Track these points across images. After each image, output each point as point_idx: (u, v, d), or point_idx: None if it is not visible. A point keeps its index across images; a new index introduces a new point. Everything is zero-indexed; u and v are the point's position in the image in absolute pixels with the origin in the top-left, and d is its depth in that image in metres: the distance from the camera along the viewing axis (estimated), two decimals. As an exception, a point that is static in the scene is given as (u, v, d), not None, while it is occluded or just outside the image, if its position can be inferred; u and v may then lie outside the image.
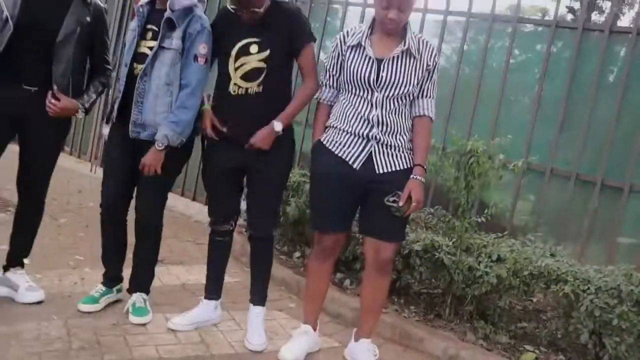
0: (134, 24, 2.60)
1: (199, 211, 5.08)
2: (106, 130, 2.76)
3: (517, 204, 3.80)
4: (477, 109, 3.96)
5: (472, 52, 4.19)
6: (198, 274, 3.47)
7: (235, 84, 2.45)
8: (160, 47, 2.48)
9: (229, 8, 2.48)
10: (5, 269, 2.76)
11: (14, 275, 2.75)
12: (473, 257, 2.98)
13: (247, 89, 2.44)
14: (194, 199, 5.14)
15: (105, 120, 2.77)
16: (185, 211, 5.07)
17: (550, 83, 3.84)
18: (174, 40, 2.48)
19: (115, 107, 2.58)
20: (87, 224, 4.20)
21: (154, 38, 2.51)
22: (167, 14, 2.46)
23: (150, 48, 2.50)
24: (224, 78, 2.50)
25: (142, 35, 2.54)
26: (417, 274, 3.07)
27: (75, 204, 4.79)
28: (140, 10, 2.57)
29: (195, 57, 2.49)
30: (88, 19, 2.53)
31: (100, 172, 5.90)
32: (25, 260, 2.82)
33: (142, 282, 2.76)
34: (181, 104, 2.47)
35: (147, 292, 2.76)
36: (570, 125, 3.72)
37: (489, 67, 4.02)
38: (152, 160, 2.46)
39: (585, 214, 3.58)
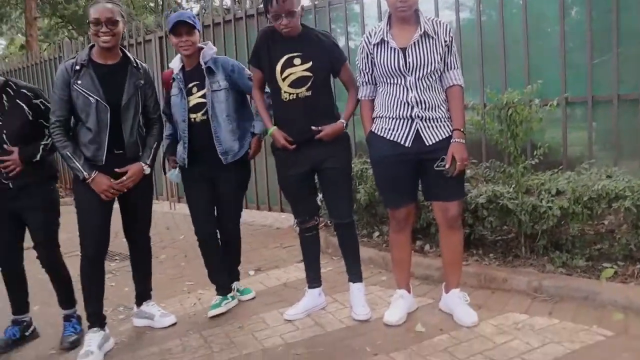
0: (175, 90, 3.09)
1: (277, 219, 5.57)
2: (174, 175, 3.27)
3: (567, 137, 3.96)
4: (507, 60, 4.15)
5: (489, 8, 4.35)
6: (294, 272, 3.92)
7: (285, 91, 2.85)
8: (212, 91, 2.99)
9: (268, 31, 2.90)
10: (139, 304, 3.28)
11: (147, 307, 3.26)
12: (534, 196, 3.24)
13: (297, 93, 2.84)
14: (269, 210, 5.62)
15: (164, 168, 3.28)
16: (265, 222, 5.56)
17: (570, 14, 3.95)
18: (220, 82, 3.03)
19: (185, 156, 3.08)
20: (185, 254, 4.74)
21: (199, 90, 3.04)
22: (204, 65, 3.02)
23: (201, 97, 3.02)
24: (274, 89, 2.91)
25: (188, 93, 3.04)
26: (488, 223, 3.36)
27: (168, 240, 5.35)
28: (178, 76, 3.09)
29: (250, 78, 3.09)
30: (142, 81, 2.96)
31: (179, 208, 6.53)
32: (151, 293, 3.33)
33: (235, 276, 3.48)
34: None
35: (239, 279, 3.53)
36: (602, 49, 3.79)
37: (508, 17, 4.16)
38: (256, 146, 3.20)
39: (635, 131, 3.71)
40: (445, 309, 2.94)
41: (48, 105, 2.97)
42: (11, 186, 2.89)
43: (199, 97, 3.04)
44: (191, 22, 2.97)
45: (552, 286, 2.99)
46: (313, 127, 2.83)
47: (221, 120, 3.03)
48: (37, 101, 2.97)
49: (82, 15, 20.85)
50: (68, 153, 2.78)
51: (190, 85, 3.06)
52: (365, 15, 4.88)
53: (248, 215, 3.42)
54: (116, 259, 4.69)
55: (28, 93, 2.95)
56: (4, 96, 2.91)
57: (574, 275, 3.06)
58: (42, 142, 2.93)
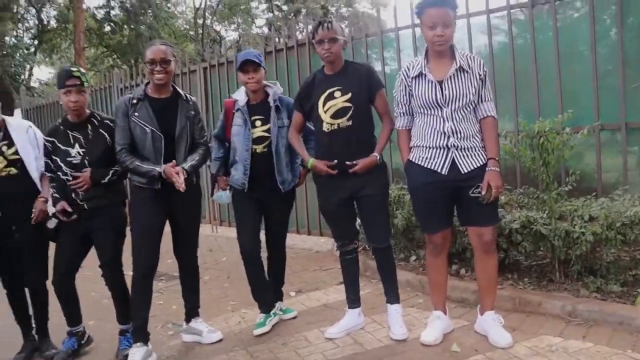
0: (239, 121, 3.31)
1: (316, 243, 5.75)
2: (223, 196, 3.49)
3: (601, 164, 4.01)
4: (540, 85, 4.24)
5: (520, 39, 4.46)
6: (334, 294, 4.07)
7: (327, 122, 3.07)
8: (278, 127, 3.28)
9: (310, 77, 3.23)
10: (187, 321, 3.49)
11: (195, 323, 3.47)
12: (567, 222, 3.33)
13: (338, 124, 3.05)
14: (309, 234, 5.81)
15: (212, 189, 3.55)
16: (304, 245, 5.75)
17: (603, 38, 4.02)
18: (284, 120, 3.32)
19: (246, 181, 3.31)
20: (228, 275, 4.95)
21: (263, 124, 3.30)
22: (273, 103, 3.30)
23: (264, 131, 3.29)
24: (317, 121, 3.14)
25: (252, 125, 3.29)
26: (522, 248, 3.46)
27: (211, 262, 5.57)
28: (244, 109, 3.32)
29: None
30: (192, 112, 3.24)
31: (221, 231, 6.78)
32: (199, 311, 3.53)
33: (279, 296, 3.67)
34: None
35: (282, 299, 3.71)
36: (635, 74, 3.85)
37: (540, 48, 4.26)
38: (304, 178, 3.55)
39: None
40: (480, 330, 3.04)
41: None
42: (86, 207, 3.16)
43: (262, 131, 3.29)
44: (257, 61, 3.23)
45: (586, 310, 3.07)
46: (347, 163, 3.03)
47: (282, 153, 3.30)
48: None
49: (126, 44, 21.83)
50: (136, 163, 3.07)
51: (254, 118, 3.31)
52: (400, 46, 5.07)
53: (289, 239, 3.57)
54: (162, 279, 4.92)
55: (110, 124, 3.23)
56: (89, 126, 3.21)
57: (609, 300, 3.13)
58: (113, 168, 3.20)
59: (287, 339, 3.29)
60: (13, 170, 3.23)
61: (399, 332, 3.09)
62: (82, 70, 3.23)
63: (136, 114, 3.08)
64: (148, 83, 3.19)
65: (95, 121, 3.24)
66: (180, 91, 3.26)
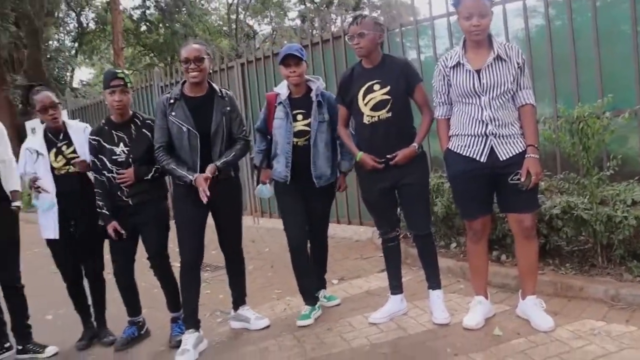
0: (281, 114, 3.39)
1: (356, 232, 5.85)
2: (264, 190, 3.60)
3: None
4: (579, 73, 4.22)
5: (558, 24, 4.44)
6: (375, 281, 4.16)
7: (367, 115, 3.15)
8: (319, 122, 3.35)
9: (348, 70, 3.32)
10: (235, 308, 3.64)
11: (243, 311, 3.62)
12: (609, 206, 3.33)
13: (378, 116, 3.13)
14: (349, 223, 5.91)
15: (258, 180, 3.64)
16: (345, 235, 5.85)
17: None
18: (325, 115, 3.39)
19: (288, 173, 3.39)
20: (272, 265, 5.09)
21: (304, 118, 3.36)
22: (315, 98, 3.37)
23: (305, 125, 3.35)
24: (357, 114, 3.21)
25: (294, 119, 3.37)
26: (563, 234, 3.47)
27: (254, 252, 5.73)
28: (286, 102, 3.39)
29: None
30: (228, 108, 3.33)
31: (262, 222, 6.95)
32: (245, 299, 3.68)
33: (322, 284, 3.81)
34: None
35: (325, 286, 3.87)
36: None
37: (578, 32, 4.24)
38: (344, 183, 3.64)
39: None
40: (522, 315, 3.09)
41: None
42: (131, 203, 3.34)
43: (304, 125, 3.37)
44: (299, 55, 3.30)
45: (630, 295, 3.07)
46: (388, 156, 3.10)
47: (320, 148, 3.37)
48: None
49: (162, 43, 22.27)
50: (172, 166, 3.20)
51: (296, 112, 3.39)
52: (435, 35, 5.10)
53: (329, 229, 3.70)
54: (208, 270, 5.10)
55: (151, 124, 3.38)
56: (132, 126, 3.38)
57: (653, 284, 3.12)
58: (154, 166, 3.35)
59: (331, 324, 3.40)
60: (72, 169, 3.45)
61: (442, 317, 3.16)
62: (126, 71, 3.41)
63: (173, 113, 3.20)
64: (184, 82, 3.30)
65: (137, 121, 3.40)
66: (216, 87, 3.36)
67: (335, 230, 5.84)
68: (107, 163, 3.33)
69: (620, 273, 3.29)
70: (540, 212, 3.40)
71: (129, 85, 3.32)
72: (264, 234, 6.52)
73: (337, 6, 24.11)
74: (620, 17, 4.11)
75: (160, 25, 21.96)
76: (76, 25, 22.51)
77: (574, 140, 3.41)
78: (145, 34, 22.59)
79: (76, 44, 22.55)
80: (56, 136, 3.48)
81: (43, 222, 3.50)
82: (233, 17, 23.97)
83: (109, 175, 3.34)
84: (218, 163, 3.21)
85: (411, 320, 3.31)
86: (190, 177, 3.14)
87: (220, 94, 3.32)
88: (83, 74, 29.85)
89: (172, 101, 3.22)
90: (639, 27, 3.95)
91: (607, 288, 3.16)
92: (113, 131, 3.37)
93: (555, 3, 4.44)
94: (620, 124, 3.43)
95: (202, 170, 3.19)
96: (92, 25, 22.56)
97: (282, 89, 3.45)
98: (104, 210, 3.35)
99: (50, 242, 3.52)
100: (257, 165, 3.63)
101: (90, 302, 3.72)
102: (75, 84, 22.26)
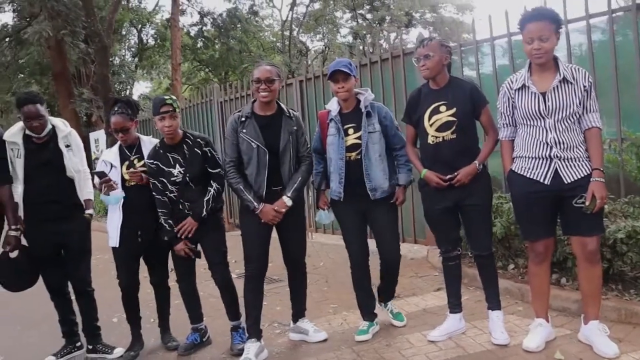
0: (333, 130, 3.46)
1: (410, 250, 5.86)
2: (323, 216, 3.67)
3: None
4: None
5: (623, 46, 4.39)
6: (432, 300, 4.19)
7: (432, 135, 3.22)
8: (368, 133, 3.37)
9: (416, 91, 3.40)
10: (295, 321, 3.74)
11: (302, 323, 3.71)
12: (677, 233, 3.26)
13: (443, 137, 3.19)
14: (403, 241, 5.91)
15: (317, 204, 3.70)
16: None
17: None
18: (375, 125, 3.41)
19: (342, 190, 3.44)
20: (326, 280, 5.17)
21: (355, 132, 3.41)
22: (364, 109, 3.41)
23: (357, 138, 3.40)
24: (422, 134, 3.29)
25: (345, 134, 3.43)
26: (627, 259, 3.42)
27: (309, 266, 5.63)
28: (336, 118, 3.46)
29: (397, 128, 3.48)
30: (294, 127, 3.46)
31: (315, 237, 7.05)
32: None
33: (392, 292, 3.78)
34: (406, 159, 3.47)
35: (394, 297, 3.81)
36: None
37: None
38: (402, 195, 3.51)
39: None
40: (584, 340, 3.06)
41: (214, 154, 3.55)
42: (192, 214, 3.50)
43: (355, 138, 3.41)
44: (347, 70, 3.37)
45: (699, 323, 3.00)
46: (449, 176, 3.15)
47: (373, 159, 3.38)
48: (207, 149, 3.54)
49: (217, 58, 22.95)
50: (240, 187, 3.35)
51: (347, 126, 3.45)
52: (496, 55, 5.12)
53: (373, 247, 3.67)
54: (265, 282, 5.22)
55: (201, 142, 3.55)
56: (184, 146, 3.53)
57: None
58: (205, 199, 3.48)
59: (390, 340, 3.45)
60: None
61: (501, 338, 3.17)
62: (174, 97, 3.56)
63: (244, 130, 3.36)
64: (255, 101, 3.47)
65: (189, 141, 3.54)
66: (284, 107, 3.50)
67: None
68: (168, 185, 3.51)
69: (688, 301, 3.21)
70: (604, 236, 3.36)
71: (177, 110, 3.48)
72: (319, 249, 6.61)
73: (389, 23, 24.24)
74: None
75: (216, 41, 22.62)
76: (137, 41, 23.50)
77: (639, 164, 3.36)
78: (201, 50, 23.30)
79: (136, 59, 23.49)
80: (130, 150, 3.68)
81: (109, 230, 3.66)
82: (287, 33, 24.42)
83: (171, 195, 3.52)
84: (289, 194, 3.35)
85: (469, 339, 3.32)
86: (256, 204, 3.31)
87: (287, 114, 3.46)
88: (140, 88, 31.00)
89: (243, 119, 3.39)
90: None
91: (674, 316, 3.09)
92: (168, 154, 3.52)
93: (618, 18, 4.40)
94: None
95: (269, 186, 3.33)
96: (151, 42, 23.48)
97: (333, 105, 3.52)
98: (174, 229, 3.50)
99: (114, 250, 3.66)
100: (317, 189, 3.69)
101: (141, 314, 3.85)
102: (134, 97, 23.17)
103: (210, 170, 3.53)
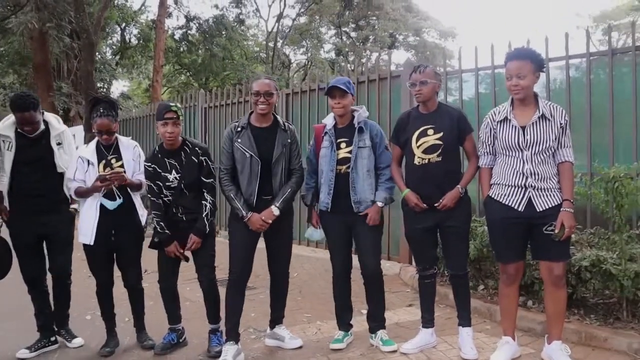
0: (326, 143, 3.59)
1: (383, 266, 5.81)
2: (314, 233, 3.76)
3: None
4: (615, 137, 4.46)
5: (598, 86, 4.69)
6: (404, 315, 4.35)
7: (418, 157, 3.39)
8: (359, 147, 3.51)
9: (406, 113, 3.58)
10: (272, 327, 3.84)
11: (279, 330, 3.82)
12: (637, 264, 3.50)
13: (429, 159, 3.37)
14: (377, 257, 6.07)
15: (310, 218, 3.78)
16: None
17: None
18: (366, 141, 3.54)
19: (329, 201, 3.56)
20: (300, 290, 5.28)
21: (347, 146, 3.55)
22: (357, 125, 3.54)
23: (348, 152, 3.53)
24: (409, 155, 3.46)
25: (337, 147, 3.56)
26: (590, 286, 3.64)
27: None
28: (331, 132, 3.60)
29: (386, 147, 3.61)
30: (289, 140, 3.59)
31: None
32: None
33: (382, 319, 3.70)
34: (387, 178, 3.55)
35: (385, 327, 3.70)
36: None
37: (617, 98, 4.50)
38: (376, 214, 3.51)
39: None
40: (546, 358, 3.25)
41: (209, 164, 3.63)
42: (184, 219, 3.60)
43: (346, 152, 3.54)
44: (344, 88, 3.51)
45: (653, 350, 3.22)
46: (435, 205, 3.33)
47: (361, 173, 3.50)
48: (203, 158, 3.63)
49: (200, 64, 22.98)
50: (232, 195, 3.47)
51: (339, 140, 3.58)
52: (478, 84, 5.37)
53: (355, 262, 3.75)
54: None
55: (199, 150, 3.64)
56: (182, 153, 3.62)
57: (676, 342, 3.26)
58: (204, 214, 3.58)
59: (364, 351, 3.59)
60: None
61: (470, 353, 3.34)
62: (179, 105, 3.64)
63: (239, 140, 3.49)
64: (252, 112, 3.59)
65: (187, 149, 3.63)
66: (280, 120, 3.63)
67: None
68: (163, 189, 3.59)
69: (644, 329, 3.44)
70: (570, 263, 3.58)
71: (181, 117, 3.56)
72: (293, 260, 6.59)
73: (372, 43, 24.67)
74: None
75: (200, 46, 22.65)
76: (119, 39, 23.35)
77: (607, 198, 3.61)
78: (184, 54, 23.29)
79: (117, 57, 23.33)
80: (107, 149, 3.69)
81: (82, 227, 3.65)
82: (271, 44, 24.61)
83: (165, 199, 3.60)
84: (277, 204, 3.46)
85: (440, 353, 3.49)
86: (244, 212, 3.43)
87: (283, 127, 3.59)
88: (119, 86, 30.66)
89: (239, 129, 3.51)
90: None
91: (631, 341, 3.31)
92: (165, 159, 3.60)
93: (595, 60, 4.70)
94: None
95: (259, 195, 3.46)
96: (134, 41, 23.35)
97: (329, 120, 3.66)
98: (166, 231, 3.59)
99: (85, 247, 3.66)
100: (308, 204, 3.77)
101: (116, 311, 3.88)
102: (114, 95, 22.97)
103: (204, 180, 3.61)
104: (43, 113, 3.73)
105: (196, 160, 3.61)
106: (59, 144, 3.71)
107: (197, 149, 3.65)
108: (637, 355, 3.25)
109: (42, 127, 3.67)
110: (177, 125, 3.54)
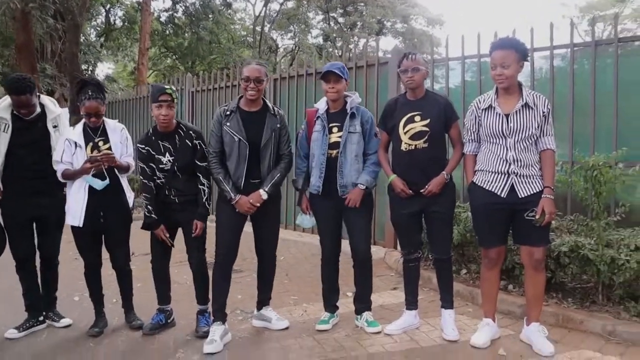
0: (318, 127, 3.63)
1: (369, 250, 6.09)
2: (305, 220, 3.81)
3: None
4: (596, 126, 4.58)
5: (581, 76, 4.80)
6: (389, 297, 4.45)
7: (405, 143, 3.46)
8: (349, 132, 3.56)
9: (393, 99, 3.64)
10: (259, 308, 3.92)
11: (266, 311, 3.89)
12: (614, 249, 3.62)
13: (415, 145, 3.44)
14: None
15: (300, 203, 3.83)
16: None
17: None
18: (357, 127, 3.59)
19: (320, 184, 3.61)
20: (287, 273, 5.36)
21: (339, 130, 3.59)
22: (349, 110, 3.58)
23: (339, 137, 3.57)
24: (396, 141, 3.53)
25: (329, 131, 3.61)
26: (568, 270, 3.76)
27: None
28: (323, 116, 3.64)
29: (375, 134, 3.65)
30: (278, 125, 3.63)
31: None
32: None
33: (368, 301, 3.80)
34: (373, 162, 3.60)
35: (370, 309, 3.79)
36: None
37: (600, 88, 4.62)
38: (356, 196, 3.55)
39: None
40: (525, 340, 3.37)
41: (204, 147, 3.66)
42: (177, 201, 3.65)
43: (338, 136, 3.59)
44: (339, 73, 3.54)
45: (625, 331, 3.35)
46: (421, 191, 3.40)
47: (349, 158, 3.55)
48: (197, 142, 3.66)
49: (186, 47, 22.77)
50: (220, 177, 3.51)
51: (332, 125, 3.63)
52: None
53: (343, 246, 3.84)
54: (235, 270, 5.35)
55: (193, 134, 3.67)
56: (176, 136, 3.65)
57: (647, 324, 3.40)
58: (204, 199, 3.63)
59: (349, 332, 3.68)
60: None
61: (452, 334, 3.45)
62: (174, 88, 3.66)
63: (228, 123, 3.52)
64: (241, 97, 3.62)
65: (181, 132, 3.66)
66: (270, 105, 3.66)
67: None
68: (156, 171, 3.63)
69: (618, 312, 3.57)
70: (550, 248, 3.69)
71: (175, 100, 3.59)
72: (280, 244, 6.70)
73: (360, 29, 24.63)
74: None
75: (187, 29, 22.42)
76: (103, 20, 23.02)
77: (587, 186, 3.72)
78: (170, 37, 23.04)
79: (102, 39, 23.01)
80: (94, 132, 3.69)
81: (70, 209, 3.66)
82: (258, 29, 24.45)
83: (158, 181, 3.64)
84: (266, 188, 3.51)
85: (423, 334, 3.59)
86: (232, 195, 3.47)
87: (272, 112, 3.62)
88: (104, 68, 30.26)
89: (228, 113, 3.54)
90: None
91: (605, 323, 3.44)
92: (159, 141, 3.63)
93: (579, 50, 4.80)
94: (631, 174, 3.73)
95: (247, 179, 3.50)
96: (119, 23, 23.03)
97: (321, 104, 3.69)
98: (152, 215, 3.63)
99: (74, 229, 3.67)
100: (299, 188, 3.81)
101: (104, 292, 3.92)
102: (99, 78, 22.68)
103: (198, 163, 3.65)
104: (39, 96, 3.74)
105: (190, 144, 3.64)
106: (55, 126, 3.73)
107: (191, 132, 3.68)
108: (611, 336, 3.38)
109: (39, 110, 3.69)
110: (171, 108, 3.56)
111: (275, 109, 3.69)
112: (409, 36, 24.52)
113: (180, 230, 3.78)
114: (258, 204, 3.52)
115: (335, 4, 25.10)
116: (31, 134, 3.66)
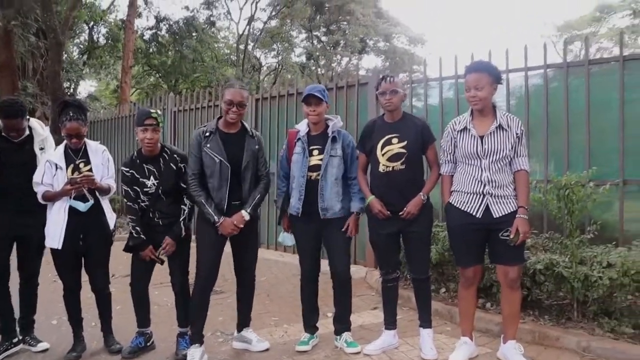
0: (299, 149, 3.67)
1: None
2: (286, 238, 3.84)
3: (623, 216, 4.40)
4: (570, 145, 4.69)
5: (555, 96, 4.91)
6: (368, 318, 4.47)
7: (383, 164, 3.52)
8: (330, 156, 3.61)
9: (371, 121, 3.70)
10: (239, 330, 3.91)
11: (246, 333, 3.88)
12: (587, 266, 3.70)
13: (393, 167, 3.49)
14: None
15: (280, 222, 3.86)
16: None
17: (631, 109, 4.47)
18: (338, 150, 3.64)
19: (300, 206, 3.64)
20: (268, 294, 5.36)
21: (320, 153, 3.64)
22: (331, 134, 3.63)
23: (319, 160, 3.62)
24: (374, 163, 3.58)
25: (309, 154, 3.65)
26: (544, 288, 3.82)
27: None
28: (304, 138, 3.68)
29: (357, 157, 3.70)
30: (256, 147, 3.67)
31: (260, 253, 7.19)
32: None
33: (347, 322, 3.82)
34: (359, 188, 3.65)
35: (350, 329, 3.80)
36: None
37: (572, 108, 4.74)
38: (354, 223, 3.64)
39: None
40: (502, 357, 3.41)
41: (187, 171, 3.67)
42: (161, 223, 3.66)
43: (318, 159, 3.63)
44: (320, 96, 3.60)
45: (599, 347, 3.41)
46: (400, 214, 3.45)
47: (330, 181, 3.60)
48: (182, 165, 3.68)
49: (169, 65, 22.79)
50: (202, 200, 3.51)
51: (312, 147, 3.67)
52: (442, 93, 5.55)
53: (323, 266, 3.86)
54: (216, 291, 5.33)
55: (177, 157, 3.70)
56: (161, 160, 3.67)
57: (621, 340, 3.46)
58: (181, 219, 3.66)
59: (328, 352, 3.69)
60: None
61: (430, 353, 3.48)
62: (159, 112, 3.68)
63: (208, 145, 3.53)
64: (220, 117, 3.65)
65: (166, 155, 3.69)
66: (247, 127, 3.70)
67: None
68: (140, 194, 3.64)
69: (592, 328, 3.63)
70: (526, 266, 3.76)
71: (160, 124, 3.62)
72: (261, 264, 6.67)
73: (343, 47, 24.88)
74: (611, 99, 4.58)
75: (170, 47, 22.47)
76: (86, 38, 22.97)
77: (560, 205, 3.80)
78: (154, 55, 23.05)
79: (84, 57, 22.94)
80: (76, 153, 3.69)
81: (50, 231, 3.64)
82: (241, 47, 24.57)
83: (142, 205, 3.65)
84: (248, 209, 3.53)
85: (401, 354, 3.62)
86: (216, 218, 3.47)
87: (250, 134, 3.66)
88: (86, 86, 30.06)
89: (207, 134, 3.55)
90: (626, 106, 4.42)
91: (579, 340, 3.50)
92: (144, 164, 3.65)
93: (552, 72, 4.93)
94: (602, 193, 3.83)
95: (229, 199, 3.52)
96: (102, 41, 22.99)
97: (302, 126, 3.74)
98: (141, 236, 3.63)
99: (53, 251, 3.65)
100: (280, 208, 3.83)
101: (83, 315, 3.87)
102: (81, 96, 22.58)
103: (183, 186, 3.66)
104: (29, 119, 3.76)
105: (175, 167, 3.67)
106: (41, 149, 3.76)
107: (175, 155, 3.71)
108: (585, 352, 3.43)
109: (27, 132, 3.72)
110: (156, 132, 3.59)
111: (253, 131, 3.73)
112: (391, 55, 24.82)
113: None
114: (242, 225, 3.53)
115: (318, 22, 25.35)
116: (19, 156, 3.69)
